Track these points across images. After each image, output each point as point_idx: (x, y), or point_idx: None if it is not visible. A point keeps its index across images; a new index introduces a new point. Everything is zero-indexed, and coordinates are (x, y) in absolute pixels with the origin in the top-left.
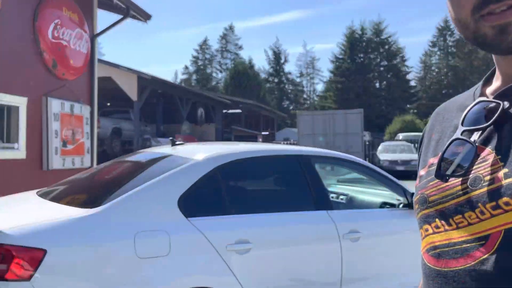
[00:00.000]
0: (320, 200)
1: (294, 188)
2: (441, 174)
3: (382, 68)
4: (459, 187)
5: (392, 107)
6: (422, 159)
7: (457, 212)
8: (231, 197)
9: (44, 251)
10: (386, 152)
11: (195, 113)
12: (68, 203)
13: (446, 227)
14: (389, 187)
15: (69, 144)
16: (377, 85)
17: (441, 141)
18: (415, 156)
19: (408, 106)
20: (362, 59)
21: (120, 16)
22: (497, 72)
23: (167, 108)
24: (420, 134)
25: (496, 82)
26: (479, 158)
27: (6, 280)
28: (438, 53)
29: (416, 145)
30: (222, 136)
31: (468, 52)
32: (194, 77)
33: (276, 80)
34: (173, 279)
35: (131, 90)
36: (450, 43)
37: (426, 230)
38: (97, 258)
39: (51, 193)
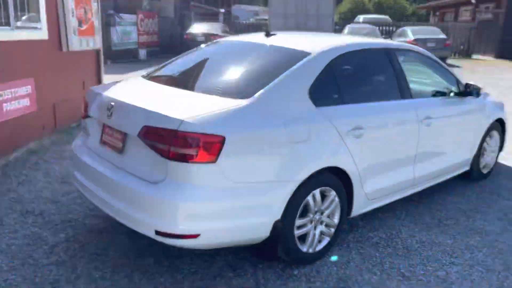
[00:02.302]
0: (404, 90)
1: (386, 79)
2: None
3: None
4: None
5: None
6: None
7: None
8: (345, 87)
9: (224, 138)
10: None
11: None
12: (217, 94)
13: None
14: (446, 78)
15: (83, 24)
16: None
17: None
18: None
19: None
20: None
21: None
22: None
23: None
24: (379, 16)
25: None
26: None
27: (196, 162)
28: None
29: (380, 28)
30: (181, 13)
31: None
32: None
33: None
34: (312, 159)
35: None
36: None
37: None
38: (263, 142)
39: (176, 81)
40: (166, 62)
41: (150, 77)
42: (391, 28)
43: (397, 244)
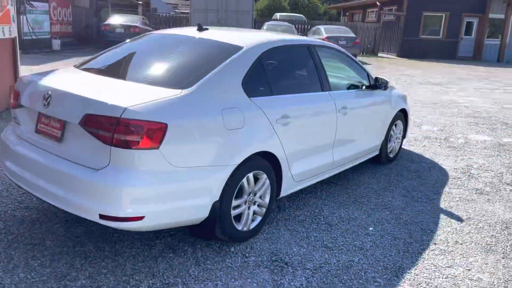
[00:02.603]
0: (324, 83)
1: (309, 72)
2: None
3: None
4: None
5: None
6: None
7: None
8: (273, 80)
9: (166, 125)
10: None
11: None
12: (155, 84)
13: None
14: (359, 73)
15: None
16: None
17: None
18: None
19: None
20: None
21: None
22: None
23: None
24: (295, 15)
25: None
26: None
27: (139, 148)
28: None
29: (296, 25)
30: (96, 3)
31: None
32: None
33: None
34: (246, 145)
35: None
36: None
37: None
38: (202, 129)
39: (112, 71)
40: (99, 53)
41: (84, 68)
42: (306, 26)
43: (320, 221)
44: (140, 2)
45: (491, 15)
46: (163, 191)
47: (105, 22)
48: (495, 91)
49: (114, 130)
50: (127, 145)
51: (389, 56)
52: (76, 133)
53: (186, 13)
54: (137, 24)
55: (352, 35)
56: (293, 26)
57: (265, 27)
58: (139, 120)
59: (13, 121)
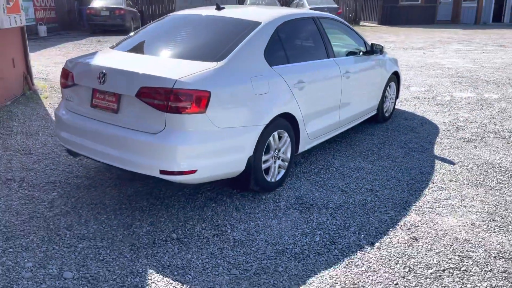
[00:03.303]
0: (329, 50)
1: (316, 42)
2: None
3: None
4: None
5: None
6: None
7: None
8: (288, 49)
9: (210, 92)
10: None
11: None
12: (193, 59)
13: None
14: (356, 40)
15: (10, 1)
16: None
17: None
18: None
19: None
20: None
21: None
22: None
23: None
24: None
25: None
26: None
27: (190, 113)
28: None
29: None
30: None
31: None
32: None
33: None
34: (272, 107)
35: None
36: None
37: None
38: (237, 95)
39: (151, 50)
40: (129, 35)
41: (122, 48)
42: None
43: (333, 171)
44: None
45: None
46: (210, 148)
47: (89, 6)
48: (474, 52)
49: (168, 99)
50: (179, 111)
51: (370, 24)
52: (131, 104)
53: None
54: (122, 6)
55: (335, 5)
56: None
57: (248, 1)
58: (188, 89)
59: (65, 99)
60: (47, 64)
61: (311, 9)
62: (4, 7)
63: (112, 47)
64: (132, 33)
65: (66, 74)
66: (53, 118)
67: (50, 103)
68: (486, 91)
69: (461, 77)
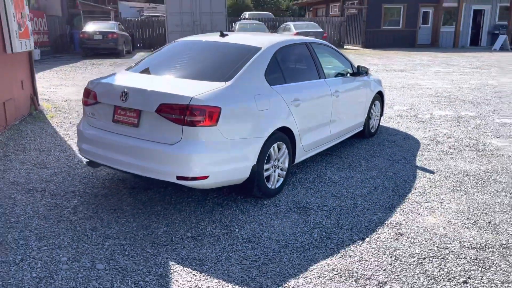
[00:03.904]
0: (320, 72)
1: (309, 64)
2: None
3: None
4: None
5: None
6: None
7: None
8: (285, 71)
9: (220, 108)
10: (243, 31)
11: None
12: (204, 79)
13: None
14: (344, 63)
15: (21, 27)
16: None
17: None
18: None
19: None
20: None
21: None
22: None
23: None
24: (262, 12)
25: None
26: None
27: (203, 126)
28: None
29: (265, 23)
30: (68, 11)
31: None
32: None
33: None
34: (272, 122)
35: None
36: None
37: None
38: (243, 111)
39: (165, 72)
40: (142, 59)
41: (137, 70)
42: (274, 23)
43: (326, 180)
44: (110, 8)
45: (445, 4)
46: (220, 157)
47: (82, 30)
48: (453, 73)
49: (185, 113)
50: (194, 124)
51: (354, 47)
52: (151, 119)
53: (157, 16)
54: (114, 30)
55: (320, 29)
56: (264, 23)
57: (237, 26)
58: (203, 105)
59: (87, 116)
60: (47, 86)
61: (297, 33)
62: (17, 32)
63: (128, 69)
64: (144, 57)
65: (88, 93)
66: (62, 136)
67: (56, 122)
68: (463, 109)
69: (440, 97)
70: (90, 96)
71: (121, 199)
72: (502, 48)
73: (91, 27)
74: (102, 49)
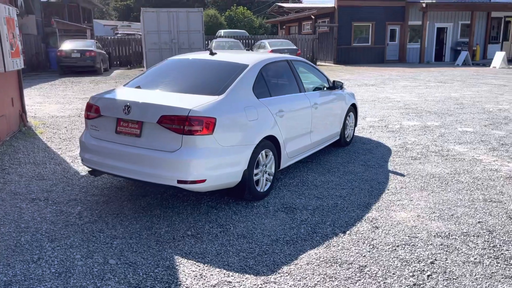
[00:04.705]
0: (301, 86)
1: (290, 79)
2: None
3: None
4: None
5: (193, 0)
6: None
7: None
8: (270, 85)
9: (215, 118)
10: (221, 49)
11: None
12: (199, 93)
13: None
14: (320, 78)
15: (13, 47)
16: None
17: None
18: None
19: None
20: None
21: None
22: None
23: None
24: (237, 31)
25: None
26: None
27: (200, 135)
28: None
29: (240, 40)
30: (44, 30)
31: None
32: None
33: None
34: (260, 131)
35: None
36: None
37: None
38: (235, 121)
39: (161, 87)
40: (137, 76)
41: (133, 86)
42: (250, 41)
43: (308, 184)
44: (86, 27)
45: (410, 23)
46: (215, 162)
47: (60, 48)
48: (419, 87)
49: (184, 124)
50: (192, 133)
51: (327, 64)
52: (152, 129)
53: (132, 34)
54: (92, 48)
55: (294, 47)
56: (239, 41)
57: (213, 44)
58: (200, 116)
59: (89, 128)
60: (31, 103)
61: (272, 50)
62: (10, 52)
63: (125, 85)
64: (140, 74)
65: (90, 107)
66: (54, 150)
67: (46, 137)
68: (429, 120)
69: (408, 109)
70: (92, 110)
71: (121, 205)
72: (464, 64)
73: (68, 45)
74: (80, 67)
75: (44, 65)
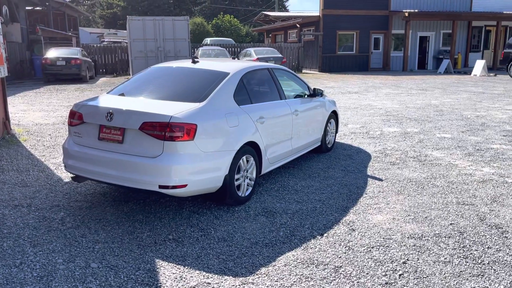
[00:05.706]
0: (281, 94)
1: (271, 87)
2: None
3: None
4: None
5: (180, 9)
6: None
7: None
8: (251, 93)
9: (196, 125)
10: (207, 57)
11: None
12: (180, 100)
13: None
14: (301, 85)
15: None
16: None
17: None
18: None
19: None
20: None
21: None
22: None
23: None
24: (224, 39)
25: None
26: None
27: (182, 141)
28: None
29: (227, 48)
30: (28, 37)
31: None
32: None
33: None
34: (241, 137)
35: None
36: None
37: None
38: (216, 127)
39: (144, 94)
40: (120, 83)
41: (117, 93)
42: (236, 49)
43: (289, 189)
44: (72, 34)
45: (393, 31)
46: (197, 167)
47: (45, 56)
48: (401, 94)
49: (166, 130)
50: (174, 139)
51: (312, 71)
52: (134, 136)
53: (118, 42)
54: (77, 56)
55: (279, 55)
56: (226, 49)
57: (200, 52)
58: (181, 123)
59: (72, 135)
60: (14, 111)
61: (258, 58)
62: None
63: (108, 92)
64: (123, 82)
65: (73, 114)
66: (38, 157)
67: (30, 145)
68: (409, 126)
69: (389, 116)
70: (75, 117)
71: (104, 210)
72: (446, 72)
73: (53, 53)
74: (65, 74)
75: (28, 73)
